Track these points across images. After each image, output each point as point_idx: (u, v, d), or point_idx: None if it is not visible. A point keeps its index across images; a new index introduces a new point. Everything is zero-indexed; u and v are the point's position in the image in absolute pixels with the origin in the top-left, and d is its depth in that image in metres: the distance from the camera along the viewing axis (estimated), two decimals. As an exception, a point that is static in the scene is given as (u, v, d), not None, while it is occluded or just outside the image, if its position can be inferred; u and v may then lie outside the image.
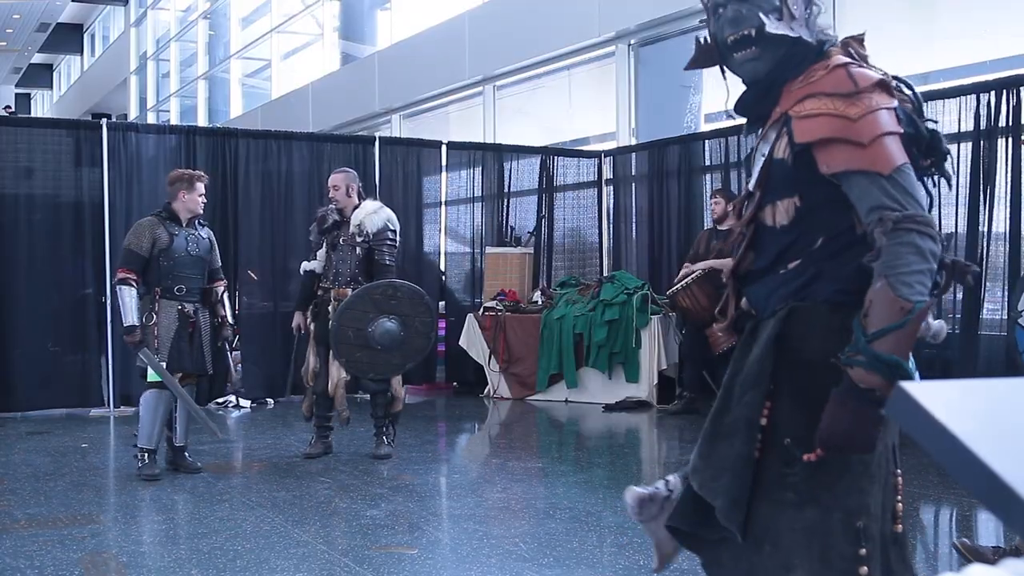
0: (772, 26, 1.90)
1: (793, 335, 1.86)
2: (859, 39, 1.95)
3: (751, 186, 2.01)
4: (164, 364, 5.51)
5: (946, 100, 6.63)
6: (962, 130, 6.56)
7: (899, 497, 1.86)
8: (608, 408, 8.30)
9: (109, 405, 8.22)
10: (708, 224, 8.39)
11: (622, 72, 10.88)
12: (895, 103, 1.82)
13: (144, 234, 5.62)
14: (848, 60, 1.88)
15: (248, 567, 3.91)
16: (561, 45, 11.49)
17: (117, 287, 5.59)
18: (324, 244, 6.12)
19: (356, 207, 6.09)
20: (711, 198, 8.14)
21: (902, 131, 1.80)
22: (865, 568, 1.76)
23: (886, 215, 1.73)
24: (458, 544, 4.28)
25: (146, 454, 5.55)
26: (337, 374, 5.99)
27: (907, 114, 1.84)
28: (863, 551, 1.77)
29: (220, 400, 8.59)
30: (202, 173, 6.04)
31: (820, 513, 1.80)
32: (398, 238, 6.17)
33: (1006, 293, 6.22)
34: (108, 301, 8.19)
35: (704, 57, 2.07)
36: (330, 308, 5.99)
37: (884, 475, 1.84)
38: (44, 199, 8.22)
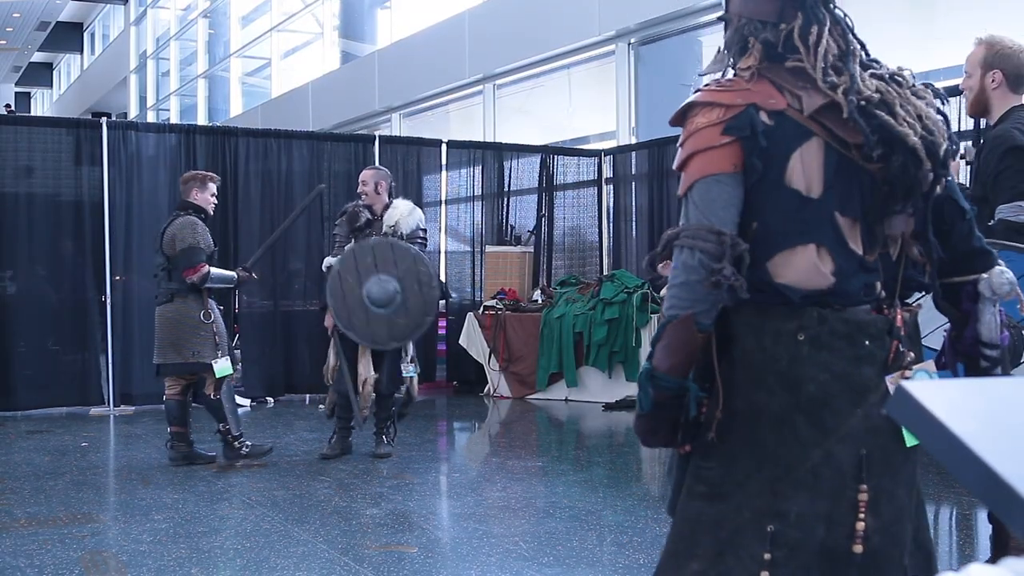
0: (710, 65, 1.99)
1: (720, 333, 1.88)
2: (753, 51, 1.90)
3: None
4: (228, 358, 5.83)
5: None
6: (961, 130, 6.56)
7: (860, 515, 1.76)
8: (608, 407, 8.31)
9: (109, 404, 8.22)
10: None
11: (622, 71, 10.88)
12: (727, 113, 1.81)
13: (204, 233, 5.82)
14: (700, 87, 1.91)
15: (248, 566, 3.91)
16: (561, 44, 11.49)
17: (201, 279, 5.73)
18: (353, 240, 6.07)
19: (387, 205, 6.08)
20: None
21: (726, 141, 1.79)
22: (766, 573, 1.74)
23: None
24: (458, 543, 4.28)
25: (242, 436, 5.92)
26: (365, 371, 6.01)
27: (751, 117, 1.80)
28: (767, 555, 1.75)
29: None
30: (215, 175, 6.19)
31: (729, 509, 1.80)
32: (428, 238, 6.24)
33: None
34: (108, 300, 8.21)
35: (717, 64, 2.09)
36: None
37: (828, 486, 1.76)
38: (44, 198, 8.22)
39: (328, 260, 6.23)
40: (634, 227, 10.02)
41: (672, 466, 2.01)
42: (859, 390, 1.79)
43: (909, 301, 2.00)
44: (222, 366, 5.77)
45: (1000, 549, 2.94)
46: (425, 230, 6.18)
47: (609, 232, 10.37)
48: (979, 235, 2.01)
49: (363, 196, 6.11)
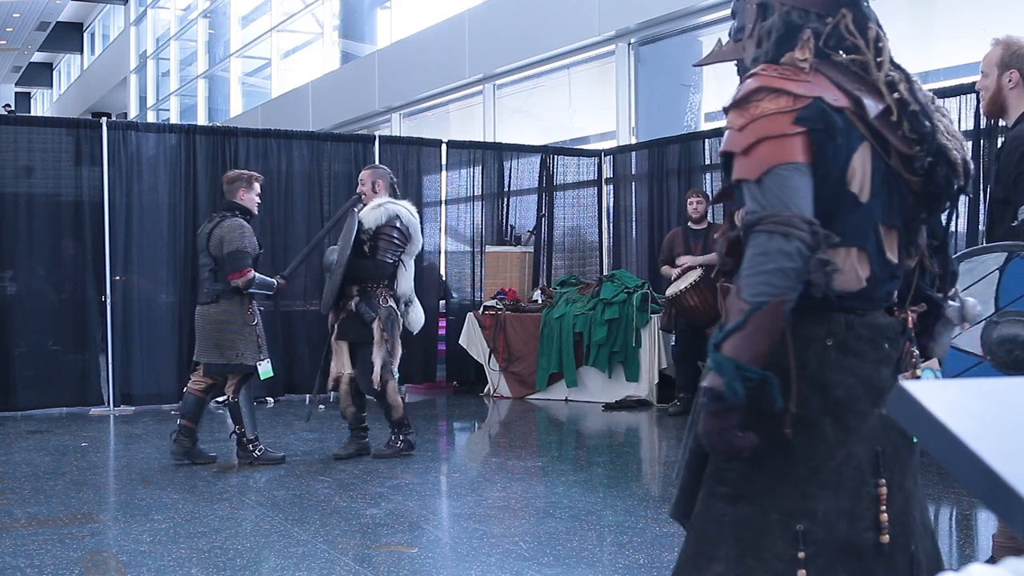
0: (718, 52, 1.98)
1: None
2: (807, 43, 1.89)
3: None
4: (269, 360, 5.91)
5: (946, 99, 6.63)
6: (962, 129, 6.57)
7: (883, 507, 1.82)
8: (608, 407, 8.31)
9: (109, 404, 8.22)
10: (684, 222, 8.36)
11: (622, 71, 10.88)
12: (797, 103, 1.79)
13: (251, 237, 5.86)
14: (756, 70, 1.86)
15: (248, 566, 3.91)
16: (561, 44, 11.49)
17: (246, 284, 5.78)
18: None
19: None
20: (691, 197, 8.10)
21: (798, 131, 1.78)
22: (803, 571, 1.75)
23: (745, 219, 1.76)
24: (458, 543, 4.28)
25: (257, 440, 5.95)
26: (337, 368, 6.02)
27: (823, 110, 1.79)
28: (801, 554, 1.76)
29: (220, 399, 8.57)
30: (259, 175, 6.25)
31: (755, 510, 1.80)
32: (409, 235, 5.99)
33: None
34: (108, 300, 8.21)
35: (720, 55, 2.09)
36: (352, 304, 5.98)
37: (850, 484, 1.80)
38: (44, 198, 8.22)
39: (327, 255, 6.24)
40: (634, 227, 10.02)
41: (680, 469, 1.99)
42: (879, 391, 1.83)
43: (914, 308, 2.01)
44: (265, 368, 5.87)
45: None
46: (401, 228, 5.91)
47: (609, 232, 10.37)
48: (952, 256, 2.09)
49: (363, 195, 6.10)
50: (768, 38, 1.91)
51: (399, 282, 6.00)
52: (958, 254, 3.01)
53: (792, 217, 1.72)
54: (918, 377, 1.90)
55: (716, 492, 1.85)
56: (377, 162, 9.32)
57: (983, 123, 6.45)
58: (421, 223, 9.66)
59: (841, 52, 1.88)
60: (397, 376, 6.11)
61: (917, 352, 1.93)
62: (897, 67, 1.89)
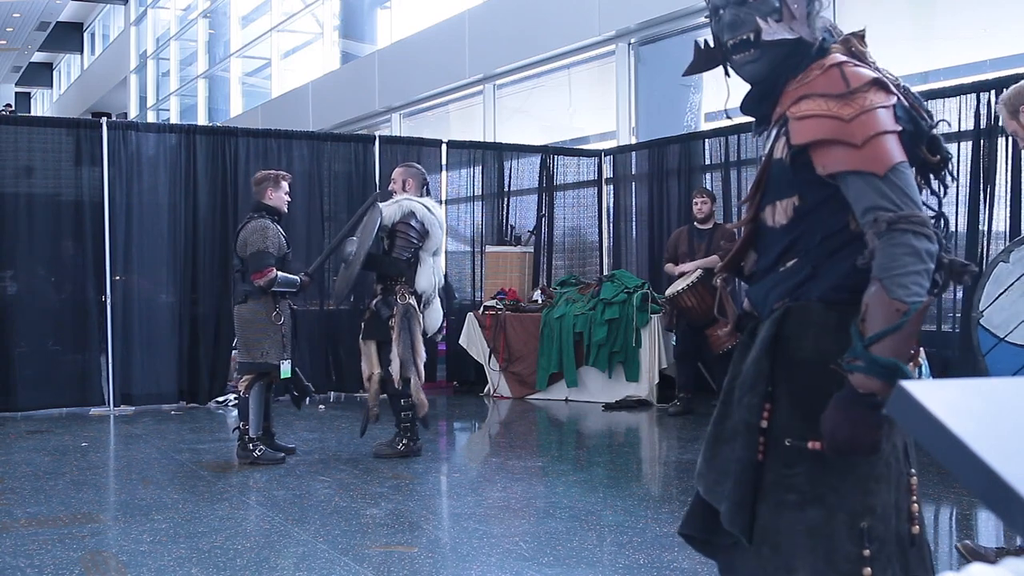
0: (769, 32, 1.89)
1: (790, 335, 1.85)
2: (860, 35, 1.92)
3: (752, 186, 2.01)
4: (290, 361, 5.96)
5: (946, 99, 6.64)
6: (962, 129, 6.56)
7: (914, 498, 1.84)
8: (608, 407, 8.30)
9: (109, 404, 8.22)
10: (689, 222, 8.37)
11: (622, 71, 10.88)
12: (893, 100, 1.79)
13: (273, 237, 5.93)
14: (844, 59, 1.84)
15: (248, 566, 3.91)
16: (561, 44, 11.49)
17: (268, 284, 5.85)
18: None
19: None
20: (697, 197, 8.10)
21: (900, 129, 1.78)
22: (868, 569, 1.75)
23: (880, 216, 1.72)
24: (458, 543, 4.28)
25: (259, 441, 5.97)
26: (370, 368, 6.05)
27: (907, 111, 1.81)
28: (867, 552, 1.75)
29: (220, 399, 8.60)
30: (286, 173, 6.35)
31: (823, 514, 1.78)
32: (426, 231, 5.99)
33: (960, 292, 6.18)
34: (108, 300, 8.21)
35: (704, 61, 2.06)
36: (373, 304, 6.04)
37: (895, 476, 1.82)
38: (44, 198, 8.22)
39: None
40: (634, 227, 10.02)
41: (719, 481, 1.92)
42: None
43: None
44: (286, 368, 5.95)
45: None
46: (417, 225, 5.94)
47: (609, 232, 10.36)
48: None
49: (393, 192, 6.16)
50: (815, 16, 1.90)
51: (418, 279, 6.01)
52: (1007, 246, 3.02)
53: (927, 219, 1.72)
54: (920, 366, 1.93)
55: (784, 501, 1.81)
56: (377, 162, 9.34)
57: (983, 123, 6.45)
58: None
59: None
60: (423, 374, 6.08)
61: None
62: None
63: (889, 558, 1.78)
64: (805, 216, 1.88)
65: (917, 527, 1.83)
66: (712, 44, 2.04)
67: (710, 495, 1.95)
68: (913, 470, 1.85)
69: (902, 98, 1.84)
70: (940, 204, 1.99)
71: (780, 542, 1.82)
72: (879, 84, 1.79)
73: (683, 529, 2.07)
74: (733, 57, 1.97)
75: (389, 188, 6.24)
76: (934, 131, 1.90)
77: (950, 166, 1.95)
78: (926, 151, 1.88)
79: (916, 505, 1.83)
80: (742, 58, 1.95)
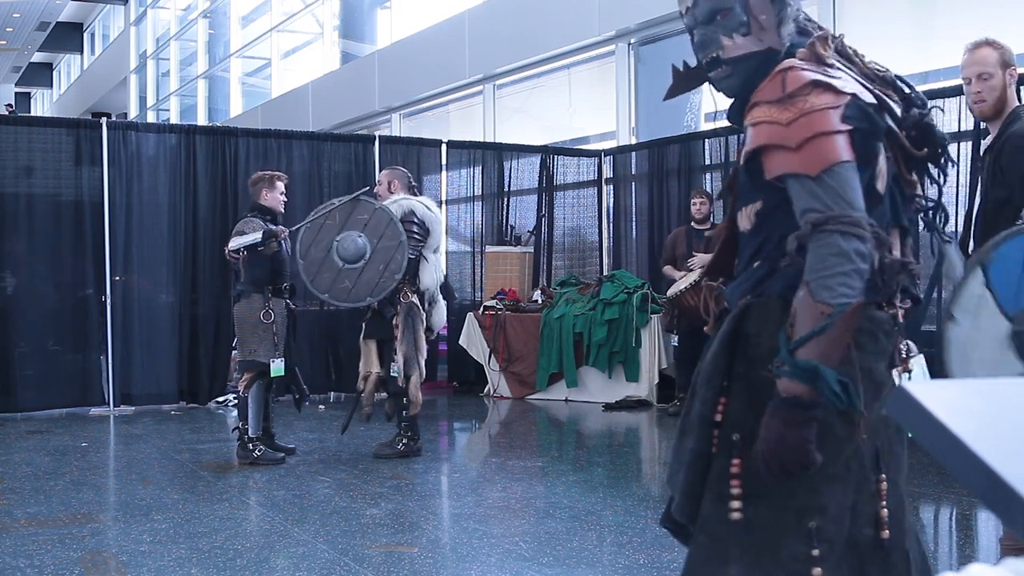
0: (733, 48, 1.92)
1: (749, 331, 1.86)
2: (825, 37, 1.90)
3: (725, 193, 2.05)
4: (283, 360, 5.93)
5: (946, 99, 6.62)
6: (962, 129, 6.56)
7: (883, 503, 1.82)
8: (608, 407, 8.30)
9: (109, 404, 8.22)
10: (687, 222, 8.37)
11: (622, 71, 10.88)
12: (841, 100, 1.79)
13: (256, 227, 5.91)
14: (792, 64, 1.85)
15: (248, 566, 3.91)
16: (561, 44, 11.49)
17: (234, 250, 5.88)
18: None
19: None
20: (696, 198, 8.09)
21: (847, 129, 1.77)
22: (819, 570, 1.74)
23: (808, 217, 1.73)
24: (458, 543, 4.28)
25: (258, 441, 5.96)
26: (365, 368, 6.04)
27: (862, 109, 1.80)
28: (815, 552, 1.74)
29: (220, 399, 8.60)
30: (282, 173, 6.37)
31: (769, 509, 1.78)
32: (427, 229, 5.99)
33: (937, 291, 6.16)
34: (108, 300, 8.21)
35: (685, 81, 2.09)
36: (375, 303, 6.01)
37: (855, 478, 1.80)
38: (44, 198, 8.22)
39: None
40: (634, 227, 10.02)
41: (676, 472, 1.96)
42: (878, 385, 1.83)
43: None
44: (277, 367, 5.94)
45: None
46: (417, 222, 5.96)
47: (609, 232, 10.37)
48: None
49: (378, 196, 6.16)
50: (785, 23, 1.91)
51: (421, 277, 6.01)
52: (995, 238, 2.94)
53: (861, 219, 1.71)
54: (910, 371, 1.91)
55: (725, 493, 1.82)
56: (377, 162, 9.34)
57: (983, 123, 6.43)
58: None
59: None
60: (424, 372, 6.08)
61: (910, 346, 1.93)
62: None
63: (839, 561, 1.76)
64: (766, 219, 1.90)
65: (887, 532, 1.81)
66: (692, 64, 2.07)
67: (669, 484, 1.99)
68: (883, 475, 1.82)
69: (863, 95, 1.82)
70: (940, 194, 1.98)
71: (717, 532, 1.83)
72: (820, 86, 1.79)
73: (663, 522, 2.09)
74: (710, 75, 2.00)
75: (375, 191, 6.23)
76: (927, 119, 1.88)
77: (942, 158, 1.93)
78: (909, 143, 1.86)
79: (885, 511, 1.81)
80: (716, 75, 1.98)
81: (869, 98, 1.82)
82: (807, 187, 1.75)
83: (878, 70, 1.93)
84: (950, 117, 6.53)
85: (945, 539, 4.49)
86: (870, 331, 1.83)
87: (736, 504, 1.81)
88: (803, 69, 1.82)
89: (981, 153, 3.69)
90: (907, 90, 1.93)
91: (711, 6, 1.95)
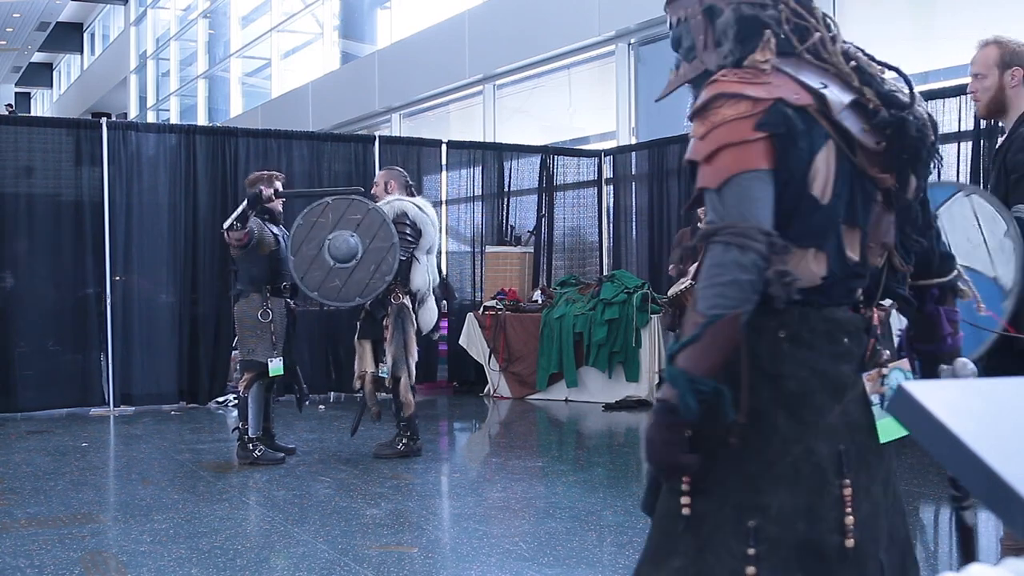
0: (679, 77, 1.95)
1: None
2: (761, 46, 1.86)
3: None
4: (281, 358, 5.93)
5: (946, 99, 6.63)
6: (962, 129, 6.56)
7: (848, 509, 1.77)
8: (608, 407, 8.31)
9: (110, 404, 8.22)
10: (693, 223, 8.37)
11: (622, 71, 10.89)
12: (756, 108, 1.76)
13: (253, 225, 5.90)
14: (714, 78, 1.83)
15: (248, 566, 3.91)
16: (561, 44, 11.49)
17: (228, 228, 5.84)
18: None
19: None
20: None
21: (759, 136, 1.75)
22: (753, 569, 1.72)
23: (701, 230, 1.75)
24: (458, 543, 4.28)
25: (259, 441, 5.97)
26: (360, 368, 6.06)
27: (785, 113, 1.76)
28: (751, 551, 1.73)
29: (220, 399, 8.60)
30: (280, 173, 6.37)
31: (711, 505, 1.79)
32: (419, 231, 6.01)
33: None
34: (108, 300, 8.21)
35: (677, 83, 2.09)
36: (367, 303, 6.03)
37: (810, 481, 1.76)
38: (44, 198, 8.22)
39: None
40: (634, 227, 10.02)
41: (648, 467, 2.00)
42: (838, 387, 1.80)
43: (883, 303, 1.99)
44: (276, 366, 5.95)
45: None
46: (409, 223, 5.97)
47: (609, 232, 10.37)
48: (944, 240, 2.07)
49: (375, 196, 6.17)
50: (727, 37, 1.87)
51: (413, 278, 6.02)
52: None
53: (749, 228, 1.69)
54: (884, 376, 1.86)
55: (675, 487, 1.83)
56: (377, 162, 9.34)
57: (983, 123, 6.44)
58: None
59: (795, 38, 1.86)
60: (414, 374, 6.10)
61: (887, 351, 1.89)
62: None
63: (786, 563, 1.74)
64: None
65: (851, 540, 1.76)
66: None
67: (646, 479, 2.04)
68: (847, 480, 1.78)
69: (793, 98, 1.78)
70: (921, 192, 1.93)
71: (665, 524, 1.87)
72: (733, 97, 1.78)
73: (644, 508, 2.10)
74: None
75: (372, 192, 6.24)
76: (899, 118, 1.82)
77: (931, 152, 1.89)
78: (866, 137, 1.82)
79: (850, 518, 1.77)
80: (695, 95, 2.00)
81: (803, 99, 1.79)
82: (711, 200, 1.77)
83: (862, 67, 1.87)
84: (950, 117, 6.53)
85: (945, 539, 4.49)
86: (826, 331, 1.80)
87: (685, 500, 1.81)
88: (717, 81, 1.82)
89: (993, 153, 3.69)
90: (907, 89, 1.90)
91: (672, 34, 1.99)
